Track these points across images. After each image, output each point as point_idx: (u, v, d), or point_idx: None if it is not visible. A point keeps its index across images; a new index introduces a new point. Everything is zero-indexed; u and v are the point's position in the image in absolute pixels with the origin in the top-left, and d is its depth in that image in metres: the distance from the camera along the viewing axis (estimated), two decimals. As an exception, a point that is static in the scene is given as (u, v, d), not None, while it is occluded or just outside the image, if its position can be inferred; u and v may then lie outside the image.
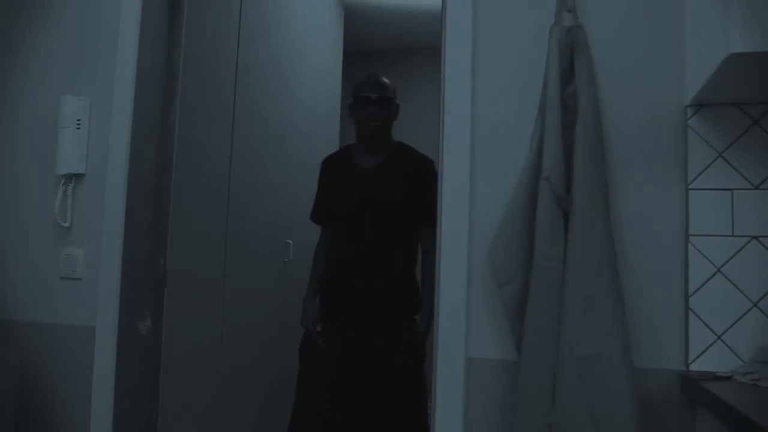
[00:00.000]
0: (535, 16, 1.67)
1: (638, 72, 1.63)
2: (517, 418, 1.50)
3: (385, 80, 2.51)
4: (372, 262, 2.38)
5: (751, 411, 1.14)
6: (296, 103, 3.19)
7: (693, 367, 1.52)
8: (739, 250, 1.52)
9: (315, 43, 3.52)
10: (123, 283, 1.92)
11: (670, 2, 1.62)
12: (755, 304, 1.50)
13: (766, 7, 1.23)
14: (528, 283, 1.52)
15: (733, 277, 1.52)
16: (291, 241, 3.02)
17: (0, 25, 2.09)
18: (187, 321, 2.27)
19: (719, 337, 1.51)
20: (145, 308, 2.05)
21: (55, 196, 1.96)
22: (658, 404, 1.53)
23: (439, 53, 1.79)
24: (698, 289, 1.53)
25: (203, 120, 2.37)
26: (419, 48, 4.49)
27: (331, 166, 2.61)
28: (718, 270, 1.53)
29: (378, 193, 2.40)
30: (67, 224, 1.97)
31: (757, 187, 1.53)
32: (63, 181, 1.97)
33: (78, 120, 1.97)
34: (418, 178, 2.42)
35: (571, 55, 1.56)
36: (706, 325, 1.52)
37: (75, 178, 1.98)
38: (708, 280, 1.53)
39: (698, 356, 1.52)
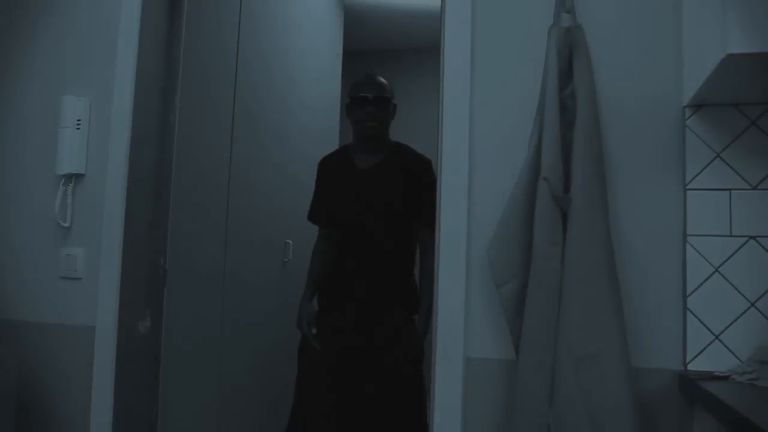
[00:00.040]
0: (533, 16, 1.67)
1: (636, 72, 1.64)
2: (516, 418, 1.50)
3: (382, 80, 2.50)
4: (370, 262, 2.38)
5: (749, 411, 1.14)
6: (296, 102, 3.20)
7: (691, 367, 1.52)
8: (737, 250, 1.53)
9: (315, 43, 3.52)
10: (123, 283, 1.92)
11: (668, 3, 1.63)
12: (753, 304, 1.51)
13: (763, 8, 1.23)
14: (526, 282, 1.52)
15: (731, 277, 1.52)
16: (291, 241, 3.02)
17: (0, 25, 2.09)
18: (187, 321, 2.27)
19: (717, 337, 1.52)
20: (144, 308, 2.06)
21: (55, 196, 1.97)
22: (656, 404, 1.54)
23: (439, 53, 1.79)
24: (696, 288, 1.54)
25: (203, 120, 2.38)
26: (419, 48, 4.49)
27: (328, 166, 2.61)
28: (716, 270, 1.53)
29: (376, 193, 2.40)
30: (67, 224, 1.97)
31: (754, 188, 1.54)
32: (63, 181, 1.98)
33: (78, 120, 1.97)
34: (416, 178, 2.42)
35: (569, 56, 1.57)
36: (704, 324, 1.53)
37: (75, 178, 1.99)
38: (706, 280, 1.53)
39: (696, 356, 1.52)
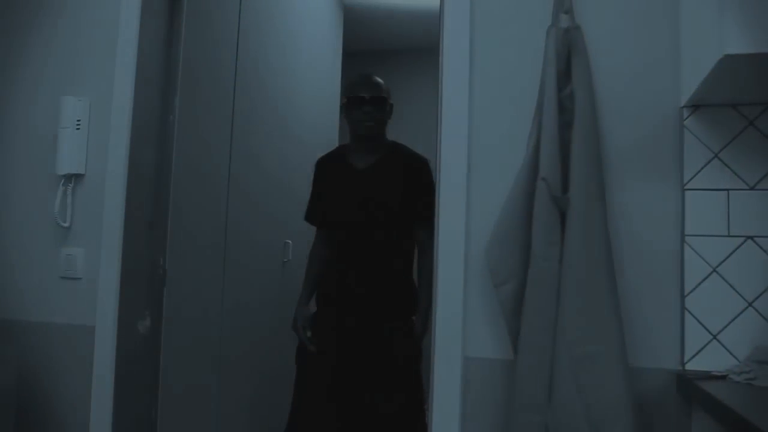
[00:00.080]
0: (532, 17, 1.68)
1: (634, 73, 1.64)
2: (514, 418, 1.51)
3: (378, 79, 2.49)
4: (368, 262, 2.38)
5: (746, 410, 1.14)
6: (296, 103, 3.20)
7: (688, 367, 1.53)
8: (735, 250, 1.53)
9: (314, 43, 3.53)
10: (122, 283, 1.93)
11: (666, 4, 1.63)
12: (750, 304, 1.51)
13: (761, 9, 1.23)
14: (525, 282, 1.52)
15: (729, 277, 1.53)
16: (290, 241, 3.03)
17: (0, 25, 2.10)
18: (187, 321, 2.28)
19: (715, 337, 1.52)
20: (144, 308, 2.06)
21: (55, 196, 1.97)
22: (654, 403, 1.54)
23: (438, 53, 1.80)
24: (694, 288, 1.54)
25: (203, 120, 2.38)
26: (419, 48, 4.48)
27: (325, 166, 2.60)
28: (714, 270, 1.54)
29: (373, 193, 2.40)
30: (67, 224, 1.98)
31: (752, 188, 1.54)
32: (63, 181, 1.98)
33: (78, 120, 1.97)
34: (413, 178, 2.42)
35: (568, 57, 1.57)
36: (702, 324, 1.53)
37: (75, 178, 1.99)
38: (704, 280, 1.54)
39: (694, 356, 1.53)
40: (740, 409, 1.14)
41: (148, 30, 2.03)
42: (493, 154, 1.70)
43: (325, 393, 2.35)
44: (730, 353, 1.51)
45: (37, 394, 1.95)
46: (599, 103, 1.59)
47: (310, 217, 2.62)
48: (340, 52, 3.93)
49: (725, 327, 1.52)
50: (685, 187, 1.57)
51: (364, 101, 2.40)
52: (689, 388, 1.42)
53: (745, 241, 1.53)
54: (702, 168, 1.56)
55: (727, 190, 1.55)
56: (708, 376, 1.44)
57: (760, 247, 1.52)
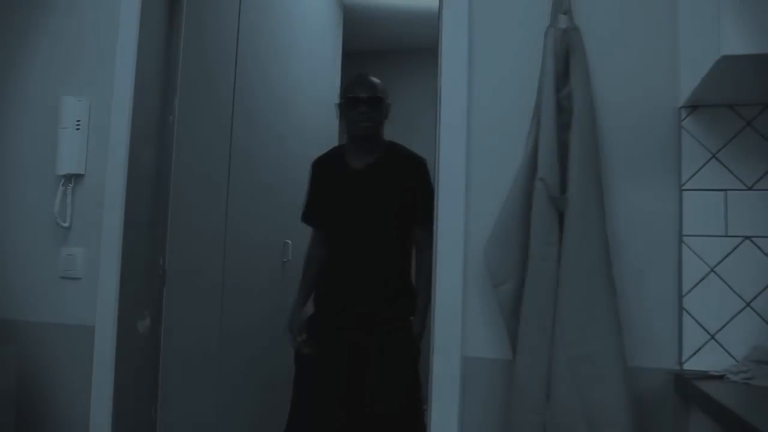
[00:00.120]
0: (530, 17, 1.68)
1: (632, 74, 1.64)
2: (512, 417, 1.51)
3: (375, 80, 2.48)
4: (365, 262, 2.38)
5: (744, 410, 1.15)
6: (295, 103, 3.21)
7: (686, 367, 1.53)
8: (733, 251, 1.54)
9: (314, 44, 3.53)
10: (122, 283, 1.93)
11: (664, 5, 1.63)
12: (748, 304, 1.52)
13: (758, 10, 1.24)
14: (523, 282, 1.53)
15: (727, 277, 1.53)
16: (290, 241, 3.03)
17: (0, 25, 2.10)
18: (186, 320, 2.28)
19: (712, 337, 1.53)
20: (144, 308, 2.07)
21: (55, 196, 1.98)
22: (652, 403, 1.55)
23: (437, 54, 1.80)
24: (692, 288, 1.54)
25: (202, 120, 2.38)
26: (419, 48, 4.48)
27: (322, 166, 2.59)
28: (712, 270, 1.54)
29: (370, 193, 2.40)
30: (66, 224, 1.98)
31: (750, 188, 1.54)
32: (63, 181, 1.98)
33: (78, 121, 1.98)
34: (411, 178, 2.41)
35: (566, 57, 1.58)
36: (700, 324, 1.53)
37: (75, 178, 2.00)
38: (701, 280, 1.54)
39: (692, 355, 1.53)
40: (738, 409, 1.14)
41: (148, 30, 2.03)
42: (491, 155, 1.71)
43: (324, 393, 2.36)
44: (728, 353, 1.51)
45: (37, 394, 1.95)
46: (597, 104, 1.59)
47: (306, 217, 2.61)
48: (340, 52, 3.94)
49: (723, 327, 1.52)
50: (683, 188, 1.57)
51: (361, 101, 2.40)
52: (687, 387, 1.43)
53: (742, 241, 1.54)
54: (700, 168, 1.57)
55: (725, 190, 1.55)
56: (706, 376, 1.44)
57: (758, 247, 1.53)
